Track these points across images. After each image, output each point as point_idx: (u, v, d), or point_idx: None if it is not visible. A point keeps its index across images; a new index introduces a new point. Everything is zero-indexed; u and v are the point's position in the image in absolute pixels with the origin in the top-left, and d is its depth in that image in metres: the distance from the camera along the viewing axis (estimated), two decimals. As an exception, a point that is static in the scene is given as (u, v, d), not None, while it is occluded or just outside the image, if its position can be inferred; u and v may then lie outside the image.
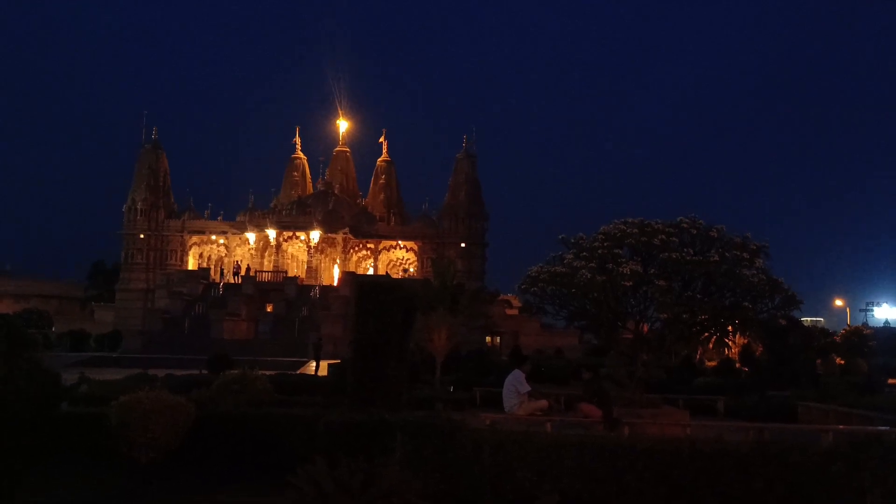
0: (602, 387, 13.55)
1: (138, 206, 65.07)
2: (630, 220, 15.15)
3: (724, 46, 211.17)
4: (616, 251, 14.78)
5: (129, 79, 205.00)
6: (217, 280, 61.09)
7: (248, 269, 61.76)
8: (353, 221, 65.57)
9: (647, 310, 15.50)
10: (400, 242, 66.62)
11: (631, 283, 14.32)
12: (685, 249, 14.72)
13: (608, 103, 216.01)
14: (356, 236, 65.26)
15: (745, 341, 38.34)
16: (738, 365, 35.61)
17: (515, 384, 13.58)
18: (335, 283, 59.99)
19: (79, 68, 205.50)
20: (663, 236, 14.61)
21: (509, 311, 59.04)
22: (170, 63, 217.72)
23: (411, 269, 66.12)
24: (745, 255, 14.85)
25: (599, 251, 14.68)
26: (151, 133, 67.35)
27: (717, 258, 14.59)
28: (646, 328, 16.16)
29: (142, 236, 65.11)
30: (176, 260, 65.90)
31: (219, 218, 67.12)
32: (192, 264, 66.09)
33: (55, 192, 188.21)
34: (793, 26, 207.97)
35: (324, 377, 24.66)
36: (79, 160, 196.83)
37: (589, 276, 14.27)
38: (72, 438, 10.17)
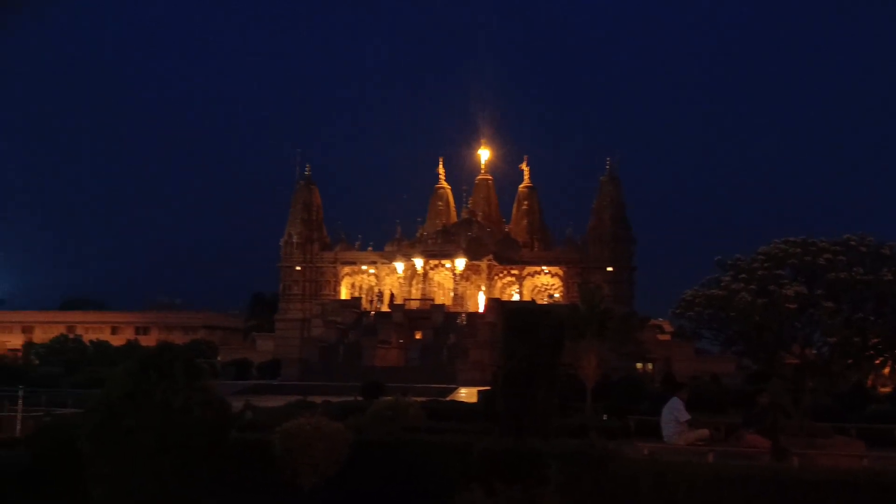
0: (774, 414, 12.81)
1: (294, 240, 68.19)
2: (792, 240, 14.38)
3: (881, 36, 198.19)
4: (777, 272, 14.04)
5: (283, 120, 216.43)
6: (368, 309, 62.88)
7: (391, 297, 63.17)
8: (496, 248, 65.87)
9: (813, 333, 14.62)
10: (544, 268, 66.25)
11: (795, 306, 13.53)
12: (854, 269, 13.79)
13: (761, 120, 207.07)
14: (500, 263, 65.48)
15: (924, 366, 35.41)
16: (916, 391, 32.86)
17: (674, 412, 13.09)
18: (481, 310, 60.31)
19: (240, 108, 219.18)
20: (829, 255, 13.75)
21: (661, 337, 57.29)
22: (320, 104, 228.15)
23: (556, 295, 65.52)
24: (922, 272, 13.77)
25: (759, 272, 14.00)
26: (305, 170, 70.60)
27: (890, 277, 13.58)
28: (811, 353, 15.23)
29: (298, 268, 68.12)
30: (330, 290, 68.44)
31: (368, 249, 69.27)
32: (344, 294, 68.42)
33: (217, 228, 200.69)
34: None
35: (473, 404, 24.75)
36: (238, 199, 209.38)
37: (749, 298, 13.61)
38: (239, 464, 10.64)
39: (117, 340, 70.57)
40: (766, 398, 13.45)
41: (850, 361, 15.20)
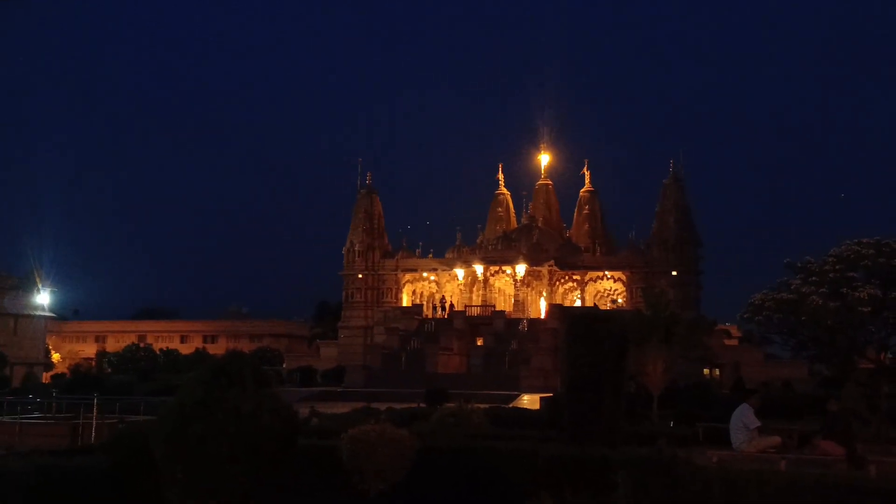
0: (847, 420, 12.44)
1: (356, 248, 68.93)
2: (864, 241, 13.96)
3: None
4: (850, 274, 13.65)
5: (346, 129, 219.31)
6: (430, 316, 63.14)
7: (451, 304, 63.24)
8: (557, 254, 65.44)
9: (889, 337, 14.17)
10: (606, 273, 65.51)
11: (869, 309, 13.13)
12: (931, 269, 13.33)
13: (832, 111, 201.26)
14: (561, 268, 65.01)
15: None
16: None
17: (744, 419, 12.80)
18: (542, 316, 59.99)
19: (303, 124, 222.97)
20: (905, 256, 13.32)
21: (728, 342, 56.11)
22: (380, 112, 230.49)
23: (620, 300, 64.72)
24: None
25: (831, 275, 13.62)
26: (366, 179, 71.39)
27: (969, 278, 13.08)
28: (887, 357, 14.75)
29: (360, 276, 68.81)
30: (391, 297, 68.96)
31: (429, 256, 69.54)
32: (406, 301, 68.85)
33: (282, 238, 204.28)
34: None
35: (535, 410, 24.62)
36: (302, 208, 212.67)
37: (820, 301, 13.25)
38: (307, 470, 10.78)
39: (186, 349, 72.39)
40: (836, 405, 13.08)
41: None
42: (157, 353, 66.72)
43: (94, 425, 19.17)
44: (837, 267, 13.71)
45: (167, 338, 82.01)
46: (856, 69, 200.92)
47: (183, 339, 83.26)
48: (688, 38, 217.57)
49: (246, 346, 71.17)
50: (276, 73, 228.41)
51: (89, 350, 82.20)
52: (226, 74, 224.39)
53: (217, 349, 67.05)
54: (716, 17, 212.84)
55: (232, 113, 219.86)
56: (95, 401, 20.15)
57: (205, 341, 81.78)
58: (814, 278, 13.90)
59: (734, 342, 57.43)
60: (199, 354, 62.45)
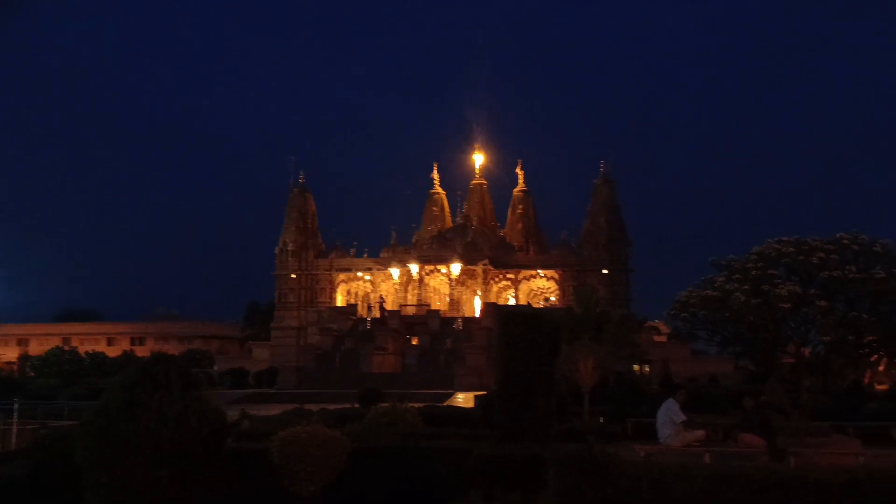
0: (766, 415, 12.86)
1: (289, 248, 68.16)
2: (785, 239, 14.47)
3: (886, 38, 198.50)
4: (771, 272, 14.14)
5: (277, 128, 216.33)
6: (364, 315, 62.87)
7: (380, 303, 63.01)
8: (492, 253, 65.93)
9: (809, 332, 14.75)
10: (540, 272, 66.31)
11: (790, 305, 13.62)
12: (847, 267, 13.87)
13: (753, 118, 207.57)
14: (496, 267, 65.53)
15: (920, 362, 35.44)
16: (913, 389, 32.91)
17: (670, 414, 13.12)
18: (477, 315, 60.35)
19: (230, 117, 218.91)
20: (822, 254, 13.85)
21: (657, 339, 57.35)
22: (314, 111, 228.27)
23: (552, 298, 65.58)
24: (915, 270, 13.82)
25: (753, 272, 14.08)
26: (299, 177, 70.62)
27: (883, 275, 13.66)
28: (807, 352, 15.30)
29: (293, 276, 68.05)
30: (325, 297, 68.41)
31: (364, 255, 69.24)
32: (340, 301, 68.38)
33: (212, 238, 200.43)
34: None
35: (470, 409, 24.75)
36: (233, 208, 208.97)
37: (743, 298, 13.69)
38: (237, 473, 10.62)
39: (113, 352, 70.39)
40: (751, 401, 13.55)
41: (845, 360, 15.26)
42: (83, 356, 64.72)
43: (14, 431, 18.54)
44: (759, 265, 14.19)
45: (93, 340, 79.59)
46: (775, 73, 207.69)
47: (109, 342, 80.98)
48: (619, 41, 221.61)
49: (175, 349, 69.62)
50: (206, 68, 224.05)
51: (11, 354, 79.23)
52: (151, 70, 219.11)
53: (145, 351, 65.43)
54: (646, 21, 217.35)
55: (158, 109, 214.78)
56: (16, 406, 19.51)
57: (132, 343, 79.72)
58: (737, 276, 14.36)
59: (663, 339, 58.69)
60: (127, 357, 60.82)
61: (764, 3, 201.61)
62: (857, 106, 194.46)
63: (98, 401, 7.72)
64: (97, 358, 63.10)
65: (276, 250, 69.10)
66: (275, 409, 23.48)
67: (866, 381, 33.81)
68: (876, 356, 16.39)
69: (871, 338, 14.85)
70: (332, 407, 22.88)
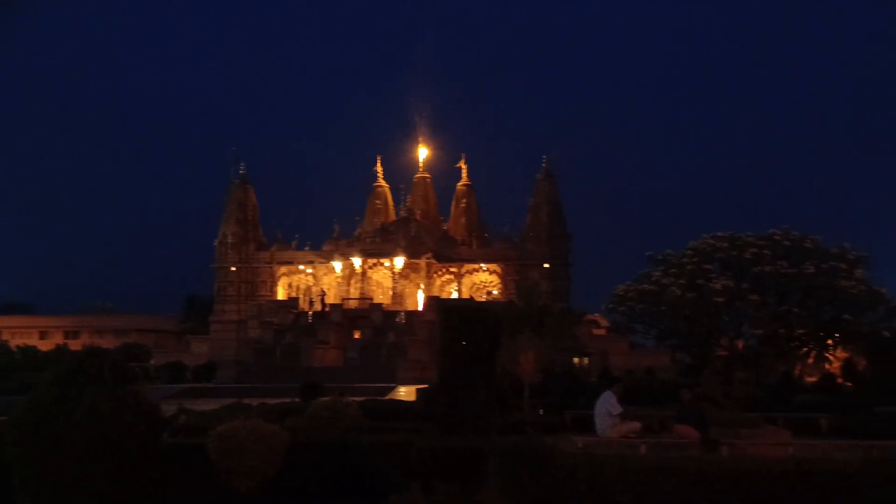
0: (700, 407, 13.18)
1: (229, 240, 67.12)
2: (719, 235, 14.83)
3: (822, 44, 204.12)
4: (706, 266, 14.47)
5: (216, 116, 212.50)
6: (306, 309, 62.32)
7: (321, 297, 62.49)
8: (435, 246, 66.02)
9: (742, 326, 15.13)
10: (483, 265, 66.64)
11: (723, 299, 13.98)
12: (779, 262, 14.29)
13: (691, 117, 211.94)
14: (439, 261, 65.64)
15: (847, 355, 36.71)
16: (840, 381, 34.09)
17: (607, 406, 13.34)
18: (420, 309, 60.38)
19: (166, 108, 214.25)
20: (755, 249, 14.23)
21: (597, 332, 58.17)
22: (254, 97, 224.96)
23: (495, 292, 66.00)
24: (842, 265, 14.32)
25: (689, 267, 14.39)
26: (239, 169, 69.58)
27: (813, 270, 14.12)
28: (741, 345, 15.71)
29: (233, 269, 67.05)
30: (266, 291, 67.59)
31: (306, 248, 68.60)
32: (281, 294, 67.66)
33: (149, 229, 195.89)
34: None
35: (412, 402, 24.79)
36: (172, 197, 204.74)
37: (679, 292, 13.99)
38: (173, 469, 10.44)
39: (46, 346, 68.38)
40: (687, 394, 13.88)
41: (776, 353, 15.72)
42: (14, 350, 62.76)
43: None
44: (695, 259, 14.52)
45: (24, 334, 77.26)
46: (714, 70, 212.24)
47: (42, 336, 78.69)
48: (562, 36, 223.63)
49: (110, 342, 67.97)
50: (143, 59, 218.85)
51: (-64, 348, 76.42)
52: (86, 59, 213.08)
53: (79, 345, 63.63)
54: (589, 17, 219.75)
55: (94, 99, 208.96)
56: (-59, 402, 18.82)
57: (66, 337, 77.65)
58: (673, 270, 14.65)
59: (602, 332, 59.54)
60: (60, 351, 59.17)
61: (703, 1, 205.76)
62: (792, 104, 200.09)
63: (28, 396, 7.50)
64: (29, 352, 61.24)
65: (216, 242, 67.99)
66: (213, 404, 23.14)
67: (797, 373, 34.92)
68: (806, 349, 16.93)
69: (801, 331, 15.35)
70: (272, 401, 22.65)
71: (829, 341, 17.34)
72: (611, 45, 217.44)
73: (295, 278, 68.78)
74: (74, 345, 67.50)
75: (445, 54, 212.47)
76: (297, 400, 22.95)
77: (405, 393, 35.18)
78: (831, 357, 33.98)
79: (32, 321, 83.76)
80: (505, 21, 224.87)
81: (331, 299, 62.64)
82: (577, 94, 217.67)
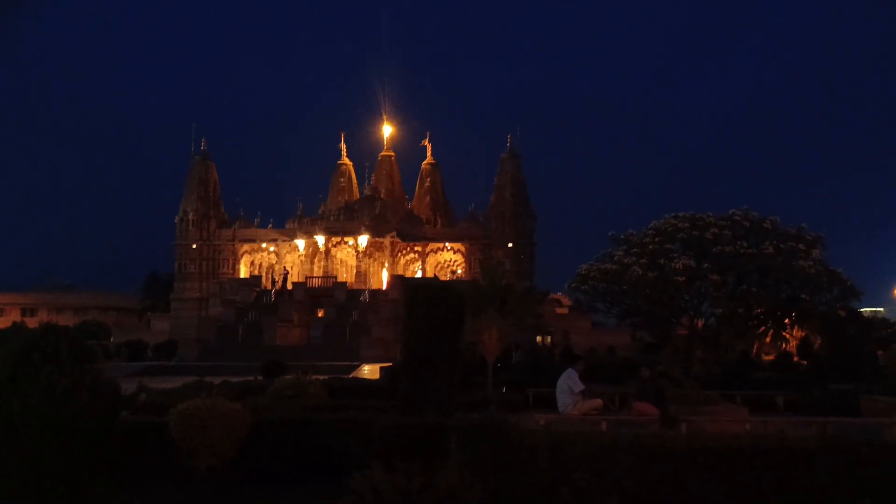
0: (658, 384, 13.35)
1: (190, 217, 66.27)
2: (681, 215, 14.97)
3: (781, 33, 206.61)
4: (667, 246, 14.61)
5: (177, 91, 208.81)
6: (269, 287, 61.87)
7: (284, 276, 62.14)
8: (400, 225, 65.87)
9: (702, 305, 15.31)
10: (447, 245, 66.68)
11: (684, 279, 14.13)
12: (738, 242, 14.48)
13: (655, 96, 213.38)
14: (403, 240, 65.53)
15: (803, 334, 37.45)
16: (796, 359, 34.80)
17: (569, 383, 13.46)
18: (384, 287, 60.31)
19: (127, 82, 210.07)
20: (716, 230, 14.39)
21: (559, 311, 58.64)
22: (215, 73, 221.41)
23: (459, 271, 66.12)
24: (800, 246, 14.55)
25: (650, 247, 14.52)
26: (200, 145, 68.58)
27: (771, 250, 14.32)
28: (700, 324, 15.93)
29: (194, 246, 66.29)
30: (228, 269, 66.95)
31: (269, 226, 68.01)
32: (244, 272, 67.07)
33: (109, 206, 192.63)
34: (856, 15, 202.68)
35: (375, 380, 24.80)
36: (130, 174, 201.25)
37: (640, 272, 14.12)
38: (133, 448, 10.34)
39: (2, 323, 67.19)
40: (647, 371, 14.03)
41: (735, 332, 15.97)
42: (-32, 328, 61.54)
43: None
44: (656, 239, 14.64)
45: (-21, 311, 75.85)
46: (680, 56, 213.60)
47: (-2, 313, 77.30)
48: (528, 14, 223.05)
49: (69, 320, 66.97)
50: (107, 35, 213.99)
51: None
52: (52, 38, 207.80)
53: (36, 323, 62.55)
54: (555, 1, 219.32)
55: (55, 77, 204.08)
56: None
57: (23, 315, 76.37)
58: (635, 250, 14.78)
59: (564, 311, 60.05)
60: (16, 328, 58.15)
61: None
62: (755, 89, 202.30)
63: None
64: (-17, 330, 60.07)
65: (176, 219, 67.11)
66: (174, 382, 22.92)
67: (754, 352, 35.57)
68: (763, 328, 17.24)
69: (759, 311, 15.60)
70: (234, 379, 22.51)
71: (787, 321, 17.66)
72: (577, 24, 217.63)
73: (258, 256, 68.22)
74: (32, 322, 66.33)
75: (411, 32, 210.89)
76: (259, 378, 22.83)
77: (369, 371, 35.19)
78: (788, 336, 34.62)
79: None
80: (474, 1, 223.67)
81: (294, 277, 62.28)
82: (542, 74, 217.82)
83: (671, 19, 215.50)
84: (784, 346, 38.76)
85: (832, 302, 15.61)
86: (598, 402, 13.62)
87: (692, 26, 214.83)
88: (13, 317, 74.54)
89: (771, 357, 36.80)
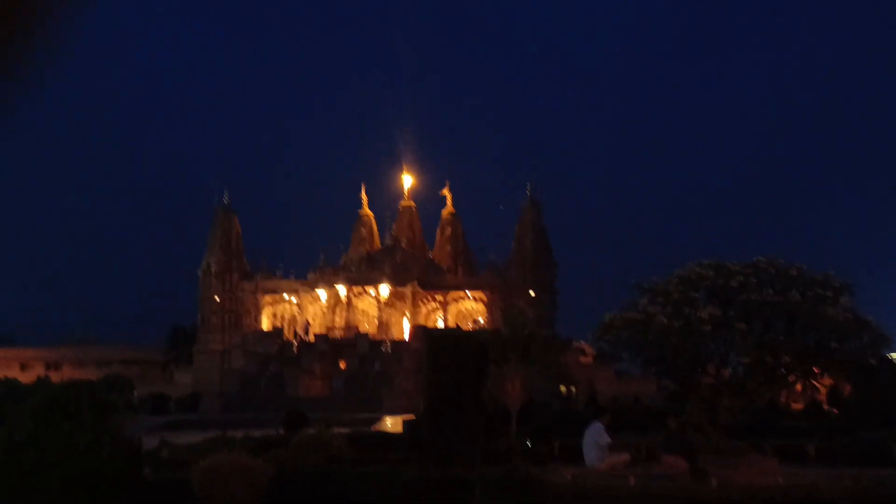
0: (686, 435, 13.09)
1: (213, 269, 66.73)
2: (705, 263, 14.84)
3: (811, 74, 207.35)
4: (692, 295, 14.45)
5: (201, 144, 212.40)
6: (291, 339, 61.90)
7: (305, 328, 62.23)
8: (421, 274, 65.90)
9: (728, 354, 15.06)
10: (468, 293, 66.54)
11: (710, 328, 13.93)
12: (764, 290, 14.30)
13: (676, 145, 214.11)
14: (424, 289, 65.49)
15: (832, 382, 36.77)
16: (826, 407, 34.12)
17: (595, 436, 13.23)
18: (406, 337, 60.12)
19: (152, 135, 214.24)
20: (741, 277, 14.24)
21: (583, 359, 58.12)
22: (239, 127, 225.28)
23: (481, 320, 65.81)
24: (828, 293, 14.34)
25: (675, 296, 14.37)
26: (223, 197, 69.37)
27: (798, 298, 14.11)
28: (727, 372, 15.69)
29: (217, 298, 66.59)
30: (251, 320, 67.10)
31: (291, 277, 68.26)
32: (266, 324, 67.18)
33: (133, 258, 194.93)
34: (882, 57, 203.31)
35: (398, 434, 24.55)
36: (155, 226, 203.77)
37: (665, 321, 13.95)
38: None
39: (27, 377, 67.42)
40: (674, 421, 13.76)
41: (763, 380, 15.69)
42: (-7, 382, 61.92)
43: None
44: (681, 288, 14.49)
45: (5, 365, 76.12)
46: (695, 98, 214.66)
47: (23, 367, 77.61)
48: (546, 65, 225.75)
49: (93, 374, 67.16)
50: (127, 86, 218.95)
51: (-86, 380, 75.17)
52: (78, 91, 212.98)
53: (61, 377, 62.94)
54: (570, 44, 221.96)
55: (77, 126, 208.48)
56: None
57: (47, 369, 76.61)
58: (660, 298, 14.63)
59: (588, 359, 59.53)
60: (41, 383, 58.47)
61: (671, 20, 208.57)
62: (775, 135, 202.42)
63: (2, 429, 7.33)
64: (9, 384, 60.34)
65: (200, 272, 67.57)
66: (197, 436, 22.80)
67: (782, 400, 34.90)
68: (792, 377, 16.94)
69: (787, 359, 15.36)
70: (256, 433, 22.37)
71: (815, 369, 17.36)
72: (598, 72, 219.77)
73: (280, 307, 68.37)
74: (56, 376, 66.54)
75: (430, 82, 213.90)
76: (281, 431, 22.67)
77: (391, 423, 34.91)
78: (816, 384, 33.91)
79: (12, 353, 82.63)
80: (491, 49, 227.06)
81: (316, 328, 62.30)
82: (562, 122, 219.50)
83: (693, 63, 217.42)
84: (813, 394, 38.05)
85: (862, 349, 15.31)
86: (626, 456, 13.35)
87: (714, 68, 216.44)
88: (37, 371, 74.84)
89: (800, 405, 36.10)
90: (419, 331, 56.08)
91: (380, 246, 72.54)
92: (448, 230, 74.72)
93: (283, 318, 68.12)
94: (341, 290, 63.97)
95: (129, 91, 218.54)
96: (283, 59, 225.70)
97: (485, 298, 66.07)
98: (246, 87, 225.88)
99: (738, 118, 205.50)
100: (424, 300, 66.17)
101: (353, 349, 56.09)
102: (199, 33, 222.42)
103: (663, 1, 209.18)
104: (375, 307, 64.52)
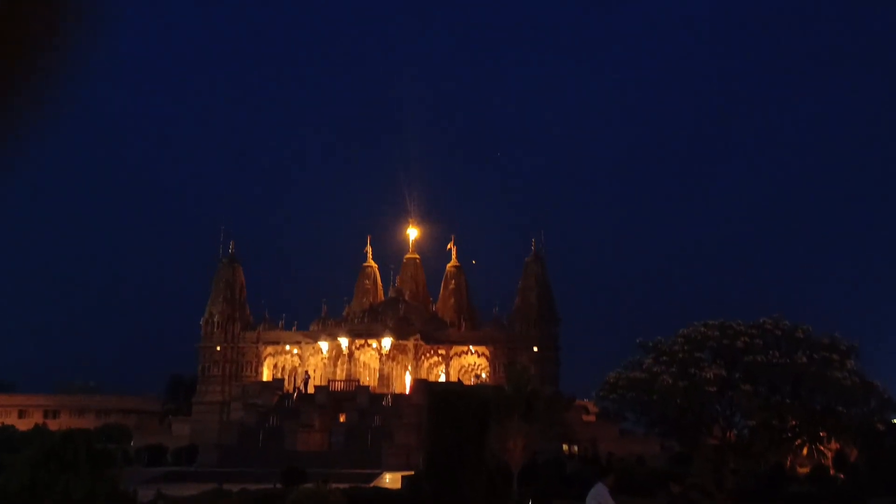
0: (690, 498, 12.86)
1: (215, 319, 66.58)
2: (710, 322, 14.79)
3: (813, 130, 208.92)
4: (697, 355, 14.38)
5: (204, 194, 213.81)
6: (291, 390, 61.39)
7: (305, 380, 61.77)
8: (423, 328, 65.62)
9: (734, 415, 14.95)
10: (471, 348, 66.16)
11: (715, 389, 13.81)
12: (770, 352, 14.22)
13: (682, 202, 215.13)
14: (427, 342, 65.15)
15: (839, 446, 36.24)
16: (832, 472, 33.56)
17: (599, 499, 12.97)
18: (407, 391, 59.60)
19: (155, 184, 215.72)
20: (746, 338, 14.18)
21: (586, 418, 57.47)
22: (244, 181, 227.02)
23: (483, 375, 65.31)
24: (834, 356, 14.26)
25: (680, 355, 14.30)
26: (228, 248, 69.58)
27: (804, 360, 14.02)
28: (732, 435, 15.51)
29: (218, 349, 66.30)
30: (251, 371, 66.68)
31: (293, 328, 68.05)
32: (267, 375, 66.71)
33: (134, 307, 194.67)
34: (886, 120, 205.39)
35: (396, 490, 24.18)
36: (157, 276, 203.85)
37: (670, 381, 13.83)
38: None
39: (25, 425, 66.86)
40: (677, 487, 13.55)
41: (769, 443, 15.49)
42: (-10, 429, 61.32)
43: None
44: (686, 347, 14.43)
45: (3, 413, 75.64)
46: (706, 158, 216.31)
47: (21, 415, 77.00)
48: (551, 120, 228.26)
49: (91, 423, 66.65)
50: (133, 137, 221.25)
51: (-89, 427, 74.53)
52: (78, 140, 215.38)
53: (59, 425, 62.33)
54: (581, 103, 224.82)
55: (79, 175, 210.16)
56: None
57: (45, 417, 75.98)
58: (664, 358, 14.55)
59: (591, 418, 58.84)
60: (39, 431, 57.88)
61: (684, 81, 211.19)
62: (781, 192, 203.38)
63: (-2, 481, 7.23)
64: (6, 432, 59.83)
65: (202, 321, 67.41)
66: (193, 489, 22.51)
67: (788, 463, 34.40)
68: (799, 440, 16.78)
69: (793, 422, 15.21)
70: (253, 487, 22.08)
71: (822, 433, 17.15)
72: (602, 130, 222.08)
73: (281, 359, 68.00)
74: (54, 424, 65.96)
75: (436, 136, 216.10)
76: (278, 486, 22.35)
77: (390, 480, 34.41)
78: (823, 449, 33.48)
79: (11, 400, 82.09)
80: (495, 104, 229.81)
81: (317, 380, 61.81)
82: (567, 178, 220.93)
83: (695, 120, 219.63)
84: (819, 458, 37.48)
85: (869, 414, 15.16)
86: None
87: (716, 122, 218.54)
88: (36, 418, 74.18)
89: (806, 469, 35.49)
90: (421, 385, 55.59)
91: (383, 298, 72.43)
92: (452, 283, 74.65)
93: (283, 368, 67.70)
94: (343, 342, 63.69)
95: (132, 141, 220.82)
96: (290, 111, 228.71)
97: (487, 353, 65.70)
98: (251, 140, 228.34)
99: (745, 179, 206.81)
100: (427, 354, 65.80)
101: (353, 402, 55.53)
102: (207, 83, 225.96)
103: (663, 71, 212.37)
104: (377, 360, 64.14)
